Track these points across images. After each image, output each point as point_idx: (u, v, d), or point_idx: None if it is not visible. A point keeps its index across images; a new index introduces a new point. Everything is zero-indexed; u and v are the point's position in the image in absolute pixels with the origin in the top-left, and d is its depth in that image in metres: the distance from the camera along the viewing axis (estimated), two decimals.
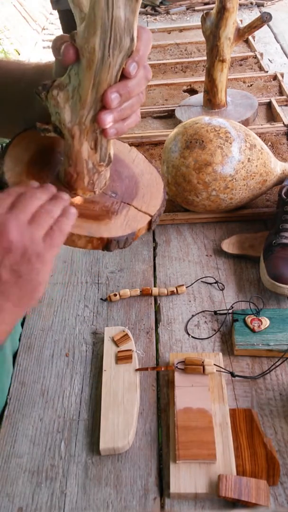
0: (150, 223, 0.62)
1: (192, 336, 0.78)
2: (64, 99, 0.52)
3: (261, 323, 0.75)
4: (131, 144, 0.71)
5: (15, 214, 0.49)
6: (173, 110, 1.31)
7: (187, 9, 1.99)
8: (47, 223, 0.51)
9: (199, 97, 1.32)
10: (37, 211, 0.51)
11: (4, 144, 0.62)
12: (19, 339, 0.80)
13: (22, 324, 0.83)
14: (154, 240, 0.97)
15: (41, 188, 0.54)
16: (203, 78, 1.27)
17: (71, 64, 0.50)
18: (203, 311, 0.81)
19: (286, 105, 1.31)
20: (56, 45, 0.50)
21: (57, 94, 0.52)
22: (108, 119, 0.51)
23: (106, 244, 0.57)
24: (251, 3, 1.96)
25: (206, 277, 0.87)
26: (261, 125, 1.23)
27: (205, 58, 1.23)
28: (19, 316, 0.50)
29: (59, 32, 4.24)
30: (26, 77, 0.61)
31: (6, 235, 0.47)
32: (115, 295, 0.84)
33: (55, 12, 2.85)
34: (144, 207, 0.63)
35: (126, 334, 0.76)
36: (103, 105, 0.51)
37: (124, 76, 0.50)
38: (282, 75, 1.42)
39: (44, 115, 0.60)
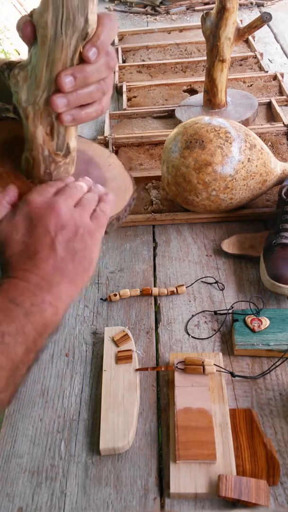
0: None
1: (192, 336, 0.78)
2: (23, 78, 0.52)
3: (261, 323, 0.75)
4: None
5: (63, 198, 0.52)
6: (173, 110, 1.31)
7: (187, 9, 1.99)
8: (91, 206, 0.54)
9: (199, 97, 1.32)
10: (80, 197, 0.54)
11: None
12: None
13: None
14: (154, 240, 0.97)
15: (81, 181, 0.57)
16: (203, 78, 1.27)
17: (31, 43, 0.50)
18: (203, 311, 0.81)
19: (286, 105, 1.31)
20: (19, 24, 0.50)
21: (17, 72, 0.52)
22: (60, 103, 0.51)
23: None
24: (251, 3, 1.96)
25: (206, 277, 0.87)
26: (261, 125, 1.23)
27: (205, 58, 1.23)
28: (75, 294, 0.51)
29: None
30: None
31: (58, 213, 0.50)
32: (115, 295, 0.84)
33: None
34: (118, 185, 0.64)
35: (126, 334, 0.76)
36: (57, 88, 0.50)
37: (83, 61, 0.50)
38: (282, 75, 1.42)
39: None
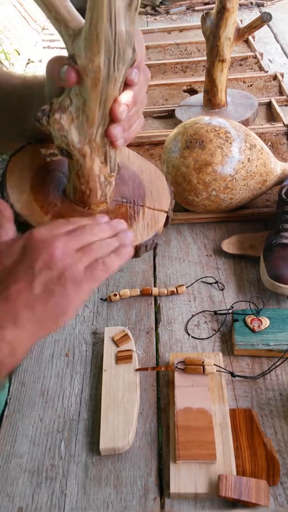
0: (167, 218, 0.62)
1: (192, 336, 0.78)
2: (69, 121, 0.51)
3: (261, 323, 0.75)
4: (131, 144, 0.71)
5: (68, 238, 0.49)
6: (173, 110, 1.31)
7: (187, 9, 1.99)
8: (94, 255, 0.50)
9: (199, 97, 1.32)
10: (88, 244, 0.51)
11: None
12: None
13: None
14: None
15: (106, 224, 0.54)
16: (203, 78, 1.27)
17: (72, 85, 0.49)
18: (203, 311, 0.81)
19: (286, 105, 1.31)
20: (54, 68, 0.49)
21: (60, 117, 0.50)
22: (118, 133, 0.52)
23: (135, 252, 0.57)
24: (251, 3, 1.96)
25: (206, 277, 0.87)
26: (261, 125, 1.23)
27: (205, 58, 1.23)
28: (37, 337, 0.48)
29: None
30: (16, 93, 0.60)
31: (51, 251, 0.48)
32: (115, 295, 0.84)
33: None
34: (156, 205, 0.62)
35: (126, 334, 0.76)
36: (111, 119, 0.51)
37: (126, 84, 0.50)
38: (282, 75, 1.42)
39: (38, 131, 0.60)
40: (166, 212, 0.62)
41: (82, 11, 0.48)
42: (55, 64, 0.49)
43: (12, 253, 0.49)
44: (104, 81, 0.47)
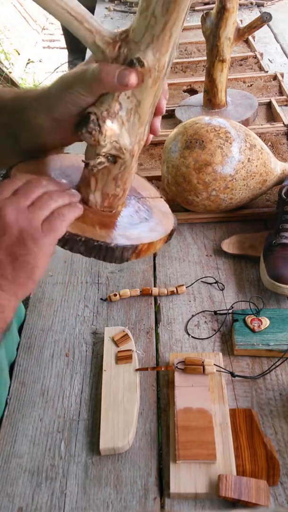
0: (168, 202, 0.64)
1: (192, 336, 0.78)
2: (119, 126, 0.51)
3: (261, 323, 0.75)
4: None
5: (16, 199, 0.50)
6: (173, 110, 1.31)
7: None
8: (47, 208, 0.51)
9: (199, 97, 1.32)
10: (39, 196, 0.51)
11: None
12: (17, 349, 0.79)
13: (20, 332, 0.82)
14: None
15: (52, 180, 0.55)
16: (203, 78, 1.27)
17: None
18: (203, 311, 0.81)
19: (286, 105, 1.31)
20: (108, 74, 0.49)
21: (111, 124, 0.50)
22: (159, 125, 0.54)
23: (170, 235, 0.59)
24: (251, 3, 1.96)
25: (206, 277, 0.87)
26: (261, 125, 1.23)
27: (205, 58, 1.23)
28: (18, 297, 0.51)
29: (59, 32, 4.25)
30: (7, 109, 0.59)
31: (2, 218, 0.49)
32: (115, 295, 0.84)
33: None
34: (152, 193, 0.64)
35: (126, 334, 0.76)
36: (154, 113, 0.53)
37: None
38: (282, 75, 1.42)
39: (30, 146, 0.59)
40: (161, 197, 0.63)
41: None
42: (114, 71, 0.48)
43: None
44: (163, 79, 0.49)
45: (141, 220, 0.60)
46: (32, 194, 0.51)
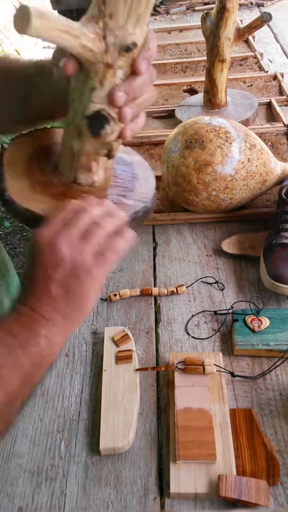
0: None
1: (192, 336, 0.78)
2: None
3: (261, 323, 0.75)
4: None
5: (68, 231, 0.51)
6: (173, 110, 1.31)
7: (187, 9, 1.99)
8: (99, 240, 0.52)
9: (199, 97, 1.32)
10: (89, 227, 0.52)
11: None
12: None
13: None
14: (154, 240, 0.97)
15: (96, 203, 0.55)
16: (203, 78, 1.27)
17: None
18: (203, 311, 0.81)
19: (286, 105, 1.31)
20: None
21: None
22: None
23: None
24: (251, 3, 1.96)
25: (206, 277, 0.87)
26: (261, 125, 1.23)
27: (205, 58, 1.23)
28: (70, 330, 0.51)
29: None
30: (24, 74, 0.61)
31: (56, 251, 0.49)
32: (115, 295, 0.84)
33: (55, 12, 2.86)
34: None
35: (126, 334, 0.76)
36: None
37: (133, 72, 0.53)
38: (282, 75, 1.42)
39: (42, 111, 0.61)
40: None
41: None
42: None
43: (32, 256, 0.51)
44: None
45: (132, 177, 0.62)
46: (82, 224, 0.52)
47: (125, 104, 0.50)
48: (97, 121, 0.50)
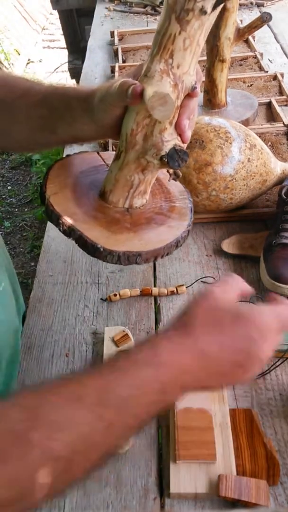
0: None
1: None
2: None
3: None
4: None
5: (276, 326, 0.47)
6: None
7: None
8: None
9: (199, 97, 1.31)
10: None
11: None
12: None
13: (23, 323, 0.83)
14: None
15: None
16: (203, 78, 1.27)
17: None
18: None
19: (286, 105, 1.31)
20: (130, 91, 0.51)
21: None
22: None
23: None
24: (251, 3, 1.96)
25: (206, 277, 0.87)
26: (261, 125, 1.23)
27: (205, 58, 1.23)
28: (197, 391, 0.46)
29: (59, 32, 4.26)
30: (47, 103, 0.60)
31: (259, 325, 0.46)
32: (115, 295, 0.84)
33: (55, 12, 2.85)
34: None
35: (126, 334, 0.76)
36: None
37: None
38: (282, 75, 1.41)
39: (67, 140, 0.63)
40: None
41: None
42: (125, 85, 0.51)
43: (222, 319, 0.46)
44: None
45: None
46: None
47: (190, 127, 0.54)
48: (175, 156, 0.54)
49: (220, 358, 0.44)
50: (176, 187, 0.67)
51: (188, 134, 0.54)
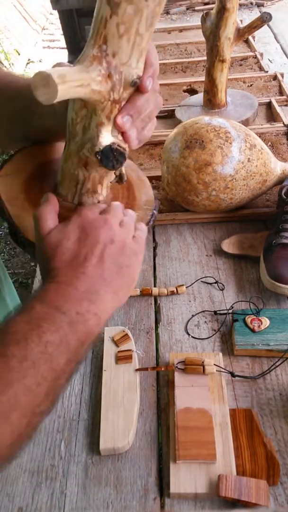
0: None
1: (192, 336, 0.78)
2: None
3: (261, 323, 0.75)
4: None
5: (112, 216, 0.53)
6: (173, 110, 1.31)
7: (187, 9, 1.99)
8: (132, 230, 0.55)
9: (199, 97, 1.32)
10: (122, 220, 0.55)
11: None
12: None
13: None
14: (154, 240, 0.97)
15: (114, 206, 0.57)
16: (203, 78, 1.27)
17: None
18: (203, 311, 0.81)
19: (286, 105, 1.31)
20: None
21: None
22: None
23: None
24: (251, 3, 1.96)
25: (206, 277, 0.87)
26: (261, 125, 1.23)
27: (205, 58, 1.23)
28: (115, 307, 0.52)
29: (59, 32, 4.27)
30: (22, 96, 0.60)
31: (110, 227, 0.52)
32: None
33: (55, 12, 2.85)
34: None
35: (126, 334, 0.76)
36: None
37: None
38: (282, 75, 1.42)
39: (42, 132, 0.61)
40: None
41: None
42: None
43: (69, 234, 0.52)
44: None
45: None
46: (120, 216, 0.55)
47: (132, 126, 0.51)
48: (110, 155, 0.51)
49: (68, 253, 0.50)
50: (145, 196, 0.65)
51: (131, 133, 0.51)
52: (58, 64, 0.51)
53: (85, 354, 0.49)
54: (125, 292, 0.52)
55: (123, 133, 0.51)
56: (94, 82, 0.46)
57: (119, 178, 0.57)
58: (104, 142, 0.50)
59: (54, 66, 0.51)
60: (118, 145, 0.51)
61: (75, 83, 0.44)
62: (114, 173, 0.56)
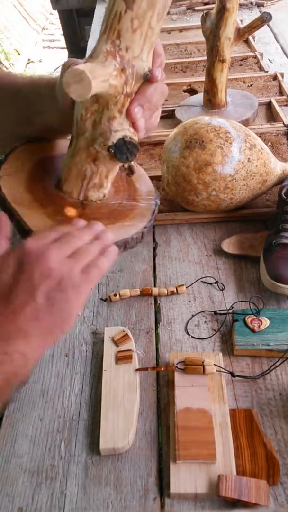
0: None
1: (192, 336, 0.78)
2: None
3: (261, 323, 0.75)
4: None
5: (58, 246, 0.50)
6: (173, 110, 1.31)
7: (187, 9, 1.99)
8: (85, 260, 0.52)
9: (199, 97, 1.32)
10: (78, 248, 0.52)
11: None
12: None
13: None
14: (154, 240, 0.97)
15: (86, 228, 0.55)
16: (203, 78, 1.27)
17: None
18: (203, 311, 0.81)
19: (286, 105, 1.31)
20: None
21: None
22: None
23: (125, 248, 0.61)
24: (251, 3, 1.96)
25: (206, 277, 0.87)
26: (261, 125, 1.23)
27: (205, 58, 1.23)
28: (46, 346, 0.50)
29: (59, 32, 4.27)
30: (22, 93, 0.60)
31: (46, 262, 0.49)
32: (115, 295, 0.84)
33: (55, 12, 2.85)
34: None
35: (126, 334, 0.76)
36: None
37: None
38: (282, 75, 1.42)
39: (44, 130, 0.61)
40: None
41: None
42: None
43: (8, 267, 0.49)
44: None
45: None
46: (72, 245, 0.52)
47: (141, 116, 0.51)
48: (123, 148, 0.51)
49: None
50: (145, 187, 0.65)
51: (141, 123, 0.51)
52: (67, 61, 0.51)
53: (12, 395, 0.48)
54: (56, 330, 0.50)
55: (133, 124, 0.51)
56: (112, 76, 0.47)
57: (129, 170, 0.56)
58: (117, 136, 0.51)
59: (66, 64, 0.51)
60: (130, 138, 0.51)
61: (101, 78, 0.46)
62: (123, 165, 0.56)
